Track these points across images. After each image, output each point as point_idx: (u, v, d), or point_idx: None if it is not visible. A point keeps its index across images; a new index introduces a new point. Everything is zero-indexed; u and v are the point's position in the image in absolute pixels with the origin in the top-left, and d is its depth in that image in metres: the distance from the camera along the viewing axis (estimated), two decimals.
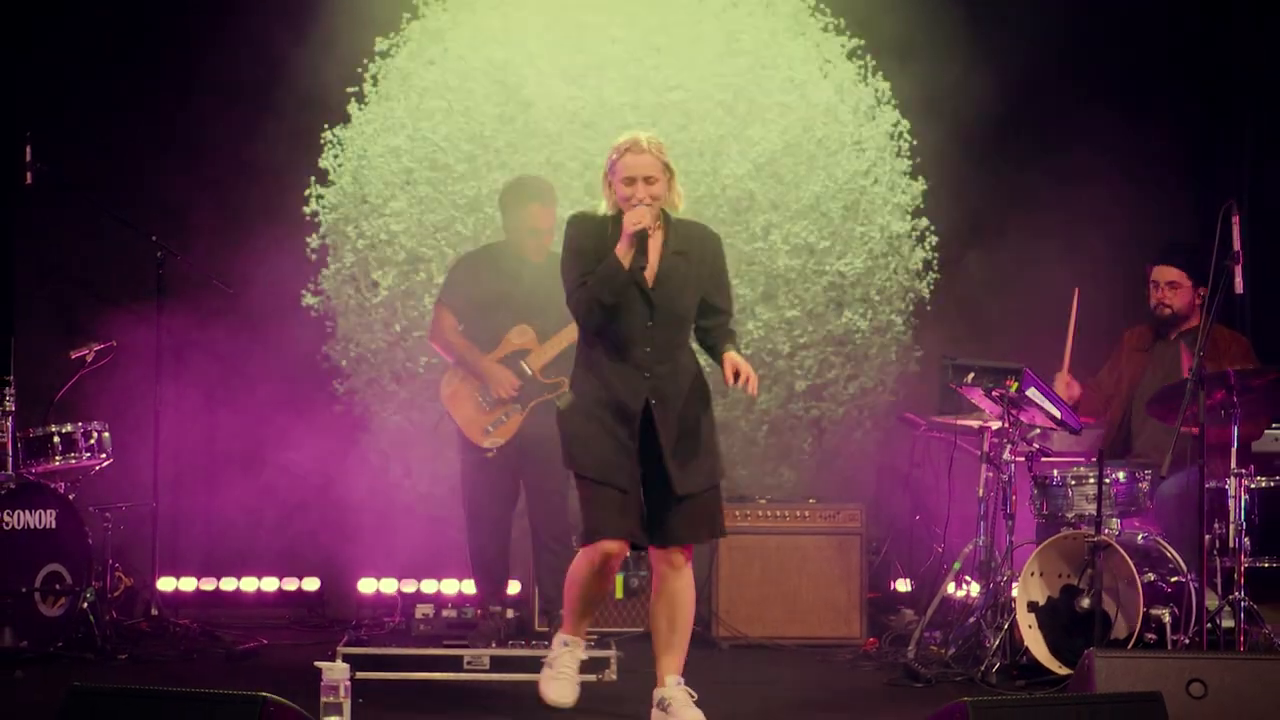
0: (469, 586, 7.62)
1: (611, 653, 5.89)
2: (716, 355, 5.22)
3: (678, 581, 5.19)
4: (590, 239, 5.14)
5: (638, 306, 5.09)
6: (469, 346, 6.72)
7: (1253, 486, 5.97)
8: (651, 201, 5.04)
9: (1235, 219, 5.58)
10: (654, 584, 5.27)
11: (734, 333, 5.29)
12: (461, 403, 6.71)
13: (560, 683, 5.28)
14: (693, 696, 5.15)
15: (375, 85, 7.86)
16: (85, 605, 6.52)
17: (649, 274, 5.10)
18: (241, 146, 7.86)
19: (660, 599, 5.22)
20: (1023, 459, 6.46)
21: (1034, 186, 8.01)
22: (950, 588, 6.88)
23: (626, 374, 5.09)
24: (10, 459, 6.50)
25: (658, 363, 5.10)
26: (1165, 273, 6.69)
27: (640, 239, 5.04)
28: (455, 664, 6.01)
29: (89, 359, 7.00)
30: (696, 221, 5.37)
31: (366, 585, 7.92)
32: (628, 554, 5.26)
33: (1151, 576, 5.96)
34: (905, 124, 7.94)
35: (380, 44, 7.84)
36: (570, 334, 6.29)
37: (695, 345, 5.36)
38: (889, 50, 7.96)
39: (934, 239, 7.96)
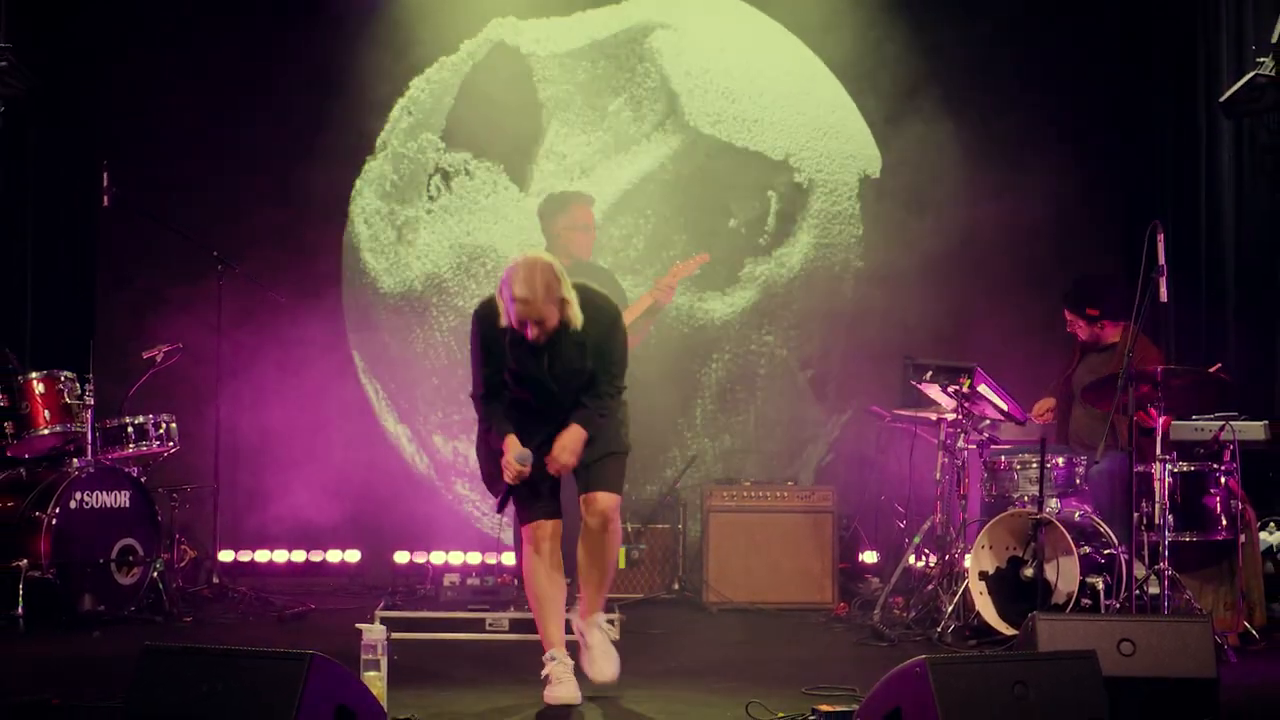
0: (491, 557, 7.63)
1: (615, 615, 5.90)
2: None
3: (597, 527, 4.95)
4: (490, 330, 4.83)
5: (542, 383, 4.88)
6: None
7: (1175, 470, 5.98)
8: (541, 333, 4.73)
9: (1160, 237, 5.59)
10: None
11: (599, 401, 4.92)
12: None
13: (559, 687, 4.86)
14: (611, 635, 5.15)
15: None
16: (155, 574, 6.57)
17: (551, 361, 4.86)
18: (293, 164, 7.88)
19: (581, 541, 4.99)
20: (975, 446, 6.48)
21: (983, 204, 8.01)
22: (911, 559, 6.90)
23: (532, 425, 4.90)
24: (90, 447, 6.52)
25: (562, 411, 4.91)
26: (1065, 313, 6.73)
27: None
28: (478, 626, 6.05)
29: (159, 359, 7.01)
30: (600, 297, 4.96)
31: (401, 557, 7.94)
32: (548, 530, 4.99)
33: (1087, 549, 5.97)
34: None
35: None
36: (635, 307, 6.45)
37: None
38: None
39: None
